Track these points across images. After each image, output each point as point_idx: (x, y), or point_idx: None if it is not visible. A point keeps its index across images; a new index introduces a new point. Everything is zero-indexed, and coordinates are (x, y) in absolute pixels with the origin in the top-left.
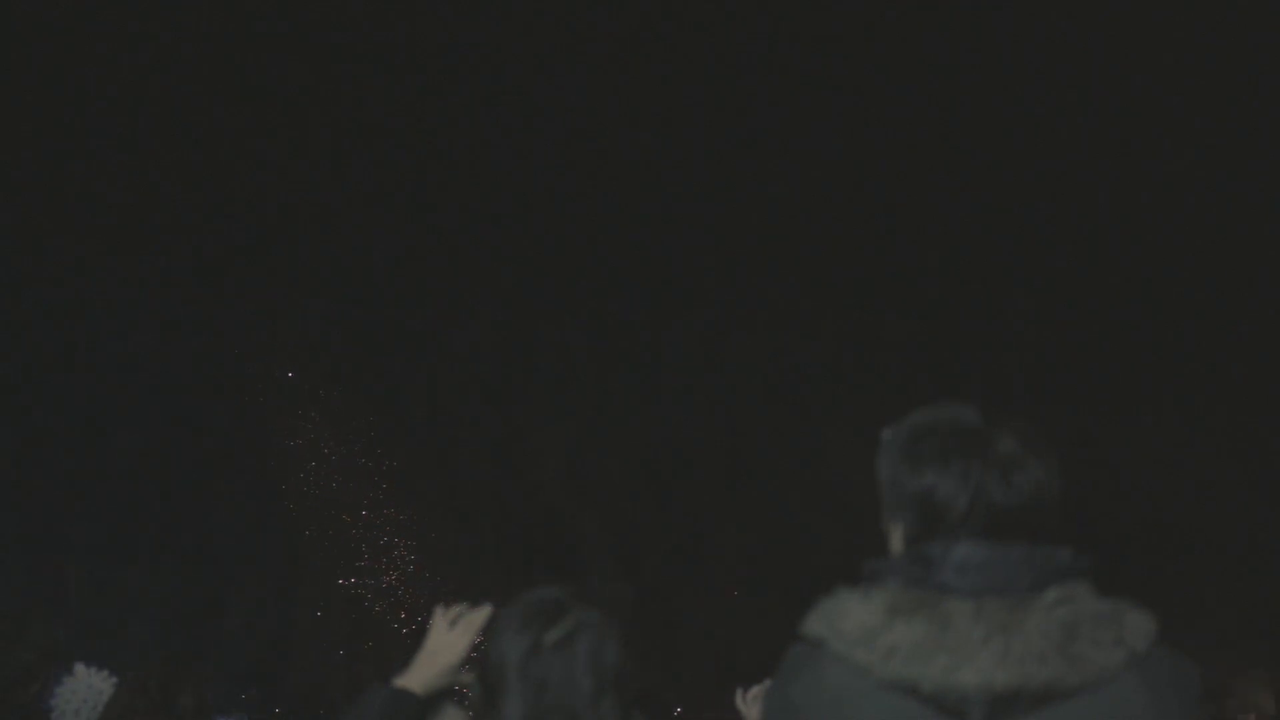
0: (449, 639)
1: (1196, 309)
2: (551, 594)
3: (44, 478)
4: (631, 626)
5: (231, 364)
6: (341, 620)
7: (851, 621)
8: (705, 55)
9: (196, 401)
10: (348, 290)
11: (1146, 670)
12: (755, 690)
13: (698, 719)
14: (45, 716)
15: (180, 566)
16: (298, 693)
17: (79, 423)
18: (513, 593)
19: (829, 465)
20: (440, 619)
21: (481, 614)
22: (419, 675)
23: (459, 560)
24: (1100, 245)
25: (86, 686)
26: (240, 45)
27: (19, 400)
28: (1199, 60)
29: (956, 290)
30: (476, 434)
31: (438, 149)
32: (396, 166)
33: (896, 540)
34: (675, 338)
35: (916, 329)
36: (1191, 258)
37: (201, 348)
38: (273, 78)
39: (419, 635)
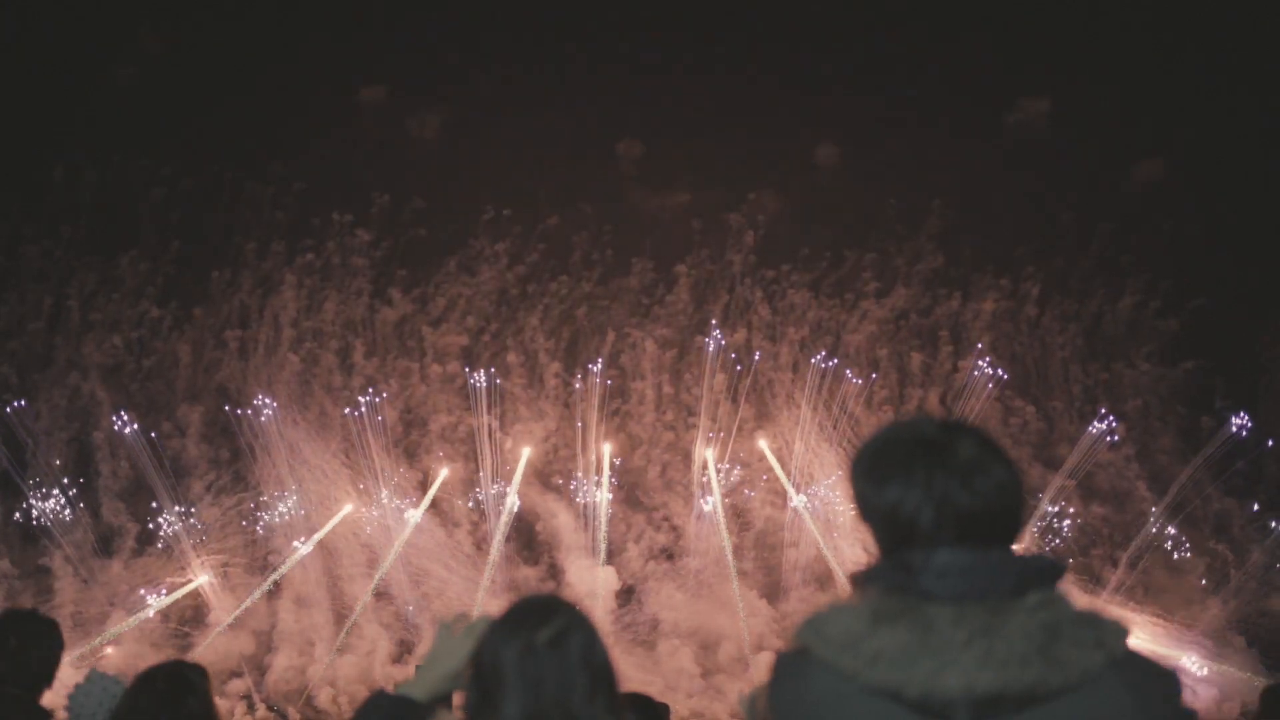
0: (451, 646)
1: None
2: (539, 596)
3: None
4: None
5: (205, 378)
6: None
7: (836, 628)
8: None
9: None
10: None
11: (1126, 671)
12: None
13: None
14: (50, 717)
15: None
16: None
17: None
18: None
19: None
20: (442, 626)
21: (482, 621)
22: (422, 682)
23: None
24: None
25: (102, 689)
26: None
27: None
28: None
29: None
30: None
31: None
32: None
33: (875, 550)
34: None
35: None
36: None
37: (174, 357)
38: None
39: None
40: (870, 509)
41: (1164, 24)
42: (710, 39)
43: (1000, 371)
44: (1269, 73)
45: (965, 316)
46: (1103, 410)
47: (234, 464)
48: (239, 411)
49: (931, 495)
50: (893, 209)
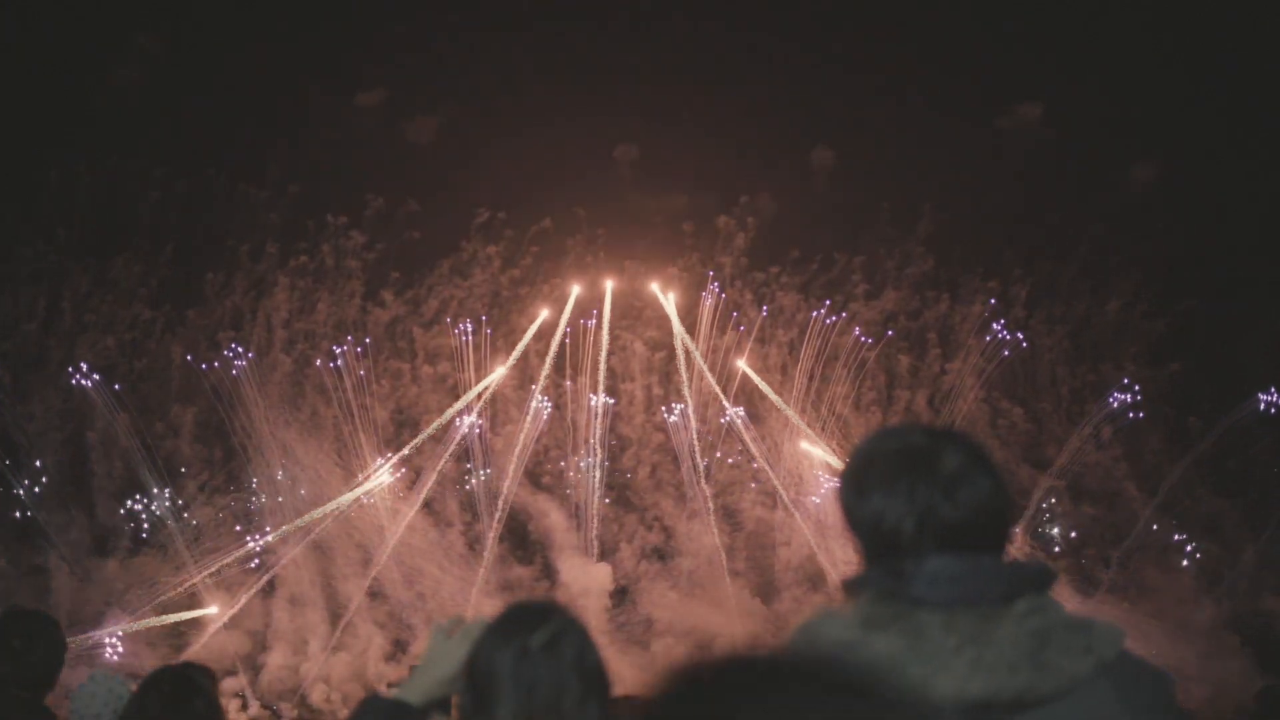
0: (446, 649)
1: None
2: (534, 600)
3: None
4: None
5: (199, 368)
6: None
7: (828, 635)
8: None
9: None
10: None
11: (1116, 677)
12: None
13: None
14: (54, 717)
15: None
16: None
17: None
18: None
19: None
20: (437, 630)
21: (477, 625)
22: (417, 686)
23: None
24: None
25: (107, 690)
26: None
27: None
28: None
29: None
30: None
31: None
32: None
33: (862, 558)
34: None
35: None
36: None
37: (167, 359)
38: None
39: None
40: (854, 519)
41: (1156, 28)
42: (705, 44)
43: (1020, 336)
44: (1260, 76)
45: (954, 319)
46: (1125, 380)
47: (228, 464)
48: (204, 366)
49: (914, 507)
50: (885, 212)
